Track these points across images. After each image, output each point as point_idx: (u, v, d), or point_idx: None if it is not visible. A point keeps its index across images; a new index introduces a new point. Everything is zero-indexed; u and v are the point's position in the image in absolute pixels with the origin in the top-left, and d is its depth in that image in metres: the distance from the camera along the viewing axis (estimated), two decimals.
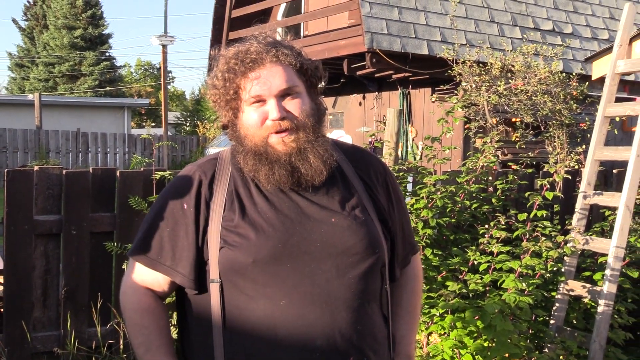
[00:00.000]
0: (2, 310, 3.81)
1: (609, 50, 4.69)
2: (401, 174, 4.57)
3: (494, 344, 3.48)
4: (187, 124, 36.50)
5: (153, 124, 38.66)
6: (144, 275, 1.79)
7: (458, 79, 7.27)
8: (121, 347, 3.88)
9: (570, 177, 5.00)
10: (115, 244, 3.93)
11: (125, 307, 1.82)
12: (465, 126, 7.24)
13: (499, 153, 6.04)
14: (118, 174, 4.01)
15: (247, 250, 1.66)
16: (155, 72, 47.52)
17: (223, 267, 1.68)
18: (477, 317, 3.51)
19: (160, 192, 1.84)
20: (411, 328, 1.98)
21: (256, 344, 1.67)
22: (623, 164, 4.15)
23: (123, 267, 3.92)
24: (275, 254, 1.66)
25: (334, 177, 1.78)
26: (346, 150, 1.89)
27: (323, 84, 1.84)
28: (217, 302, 1.70)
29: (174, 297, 1.89)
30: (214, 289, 1.70)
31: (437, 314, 3.71)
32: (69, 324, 3.83)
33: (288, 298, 1.66)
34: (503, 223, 3.95)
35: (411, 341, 1.97)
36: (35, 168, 3.83)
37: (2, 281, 3.86)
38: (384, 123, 4.88)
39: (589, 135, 4.45)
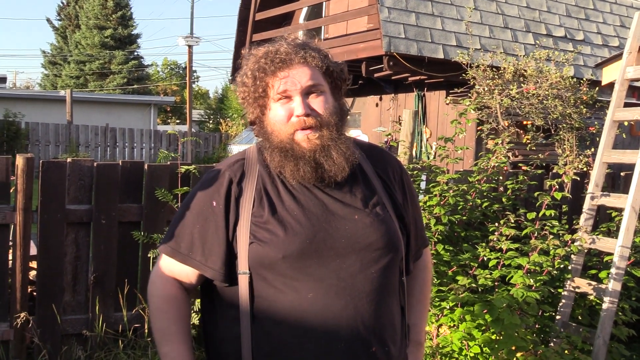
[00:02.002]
0: (35, 293, 3.99)
1: (618, 56, 4.82)
2: (415, 172, 4.73)
3: (501, 337, 3.58)
4: (211, 121, 36.84)
5: (178, 121, 39.00)
6: (173, 268, 1.85)
7: (472, 83, 7.41)
8: (146, 331, 4.06)
9: (578, 179, 5.13)
10: (142, 233, 4.11)
11: (151, 294, 1.88)
12: (478, 128, 7.40)
13: (509, 154, 6.17)
14: (146, 167, 4.18)
15: (276, 246, 1.72)
16: (181, 72, 47.89)
17: (253, 261, 1.74)
18: (485, 311, 3.62)
19: (191, 189, 1.91)
20: (422, 317, 2.08)
21: (283, 333, 1.73)
22: (630, 167, 4.28)
23: (149, 255, 4.11)
24: (303, 249, 1.72)
25: (355, 175, 1.84)
26: (365, 149, 1.95)
27: (348, 85, 1.95)
28: (246, 293, 1.75)
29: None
30: (243, 281, 1.75)
31: (447, 307, 3.82)
32: (97, 308, 4.01)
33: (315, 291, 1.71)
34: (512, 221, 4.08)
35: (422, 329, 2.07)
36: (68, 160, 4.01)
37: (35, 266, 4.03)
38: (400, 123, 5.03)
39: (597, 139, 4.58)
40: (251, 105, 1.84)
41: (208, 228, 1.79)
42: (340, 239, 1.75)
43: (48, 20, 40.05)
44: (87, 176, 4.03)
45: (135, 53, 38.34)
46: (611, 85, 4.69)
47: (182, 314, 1.86)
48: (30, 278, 4.04)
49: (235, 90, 1.93)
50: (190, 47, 23.43)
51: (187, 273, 1.85)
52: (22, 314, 3.81)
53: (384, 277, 1.80)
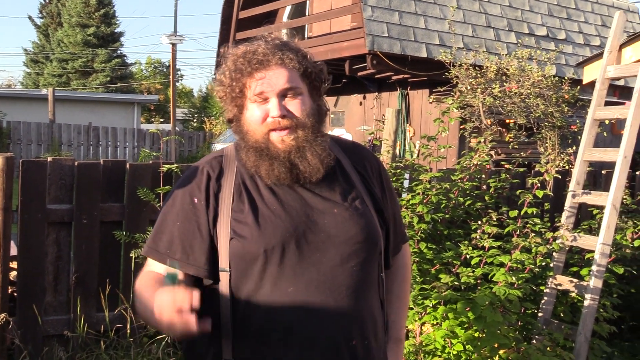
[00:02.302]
0: (15, 294, 3.95)
1: (599, 56, 4.86)
2: (398, 171, 4.74)
3: (484, 335, 3.60)
4: (195, 120, 36.78)
5: (162, 120, 38.90)
6: (154, 268, 1.83)
7: (455, 81, 7.45)
8: (128, 331, 4.03)
9: (560, 177, 5.17)
10: (124, 233, 4.09)
11: (136, 291, 1.81)
12: (461, 126, 7.42)
13: (492, 152, 6.20)
14: (128, 166, 4.16)
15: (256, 241, 1.72)
16: (165, 70, 47.73)
17: (233, 256, 1.74)
18: (468, 309, 3.63)
19: (172, 188, 1.91)
20: (401, 314, 2.08)
21: (264, 328, 1.74)
22: (611, 165, 4.32)
23: (131, 255, 4.08)
24: (283, 243, 1.73)
25: (334, 170, 1.85)
26: (344, 145, 1.97)
27: (327, 85, 1.95)
28: (227, 290, 1.75)
29: None
30: (224, 278, 1.75)
31: (430, 305, 3.84)
32: (78, 309, 3.98)
33: (295, 285, 1.72)
34: (495, 219, 4.11)
35: (401, 326, 2.08)
36: (49, 159, 3.98)
37: (15, 266, 3.99)
38: (383, 122, 5.04)
39: (579, 137, 4.61)
40: (229, 104, 1.85)
41: (189, 225, 1.79)
42: (320, 233, 1.76)
43: (30, 17, 39.83)
44: (68, 175, 4.00)
45: (119, 51, 38.18)
46: (592, 84, 4.73)
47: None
48: (11, 278, 4.00)
49: (213, 88, 1.91)
50: (173, 45, 23.39)
51: None
52: (2, 315, 3.77)
53: (364, 271, 1.81)
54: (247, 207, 1.77)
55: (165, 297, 1.56)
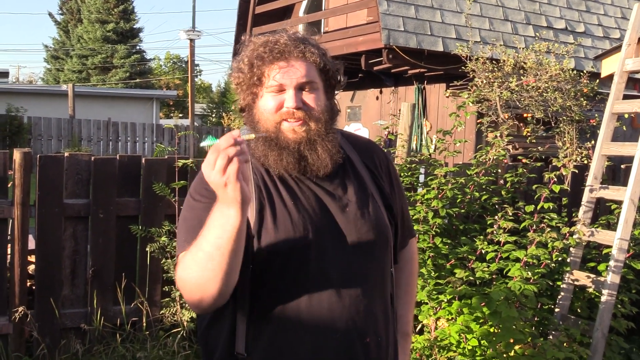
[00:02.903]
0: (33, 287, 4.00)
1: (618, 48, 4.81)
2: (413, 165, 4.73)
3: (499, 330, 3.58)
4: (213, 115, 36.91)
5: (181, 115, 39.14)
6: None
7: (471, 75, 7.40)
8: (144, 324, 4.07)
9: (577, 172, 5.13)
10: (140, 227, 4.12)
11: (180, 280, 1.68)
12: (478, 121, 7.38)
13: (509, 147, 6.16)
14: (143, 161, 4.18)
15: (274, 240, 1.71)
16: (184, 65, 47.92)
17: (253, 253, 1.72)
18: (483, 304, 3.62)
19: (189, 187, 1.86)
20: (409, 308, 2.09)
21: (279, 326, 1.72)
22: (631, 159, 4.27)
23: (147, 249, 4.12)
24: (299, 242, 1.72)
25: (345, 166, 1.85)
26: (353, 141, 1.96)
27: (343, 82, 1.94)
28: (247, 283, 1.72)
29: None
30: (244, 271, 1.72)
31: (445, 300, 3.83)
32: (95, 302, 4.02)
33: (311, 283, 1.73)
34: (510, 214, 4.08)
35: (409, 320, 2.10)
36: (66, 154, 4.02)
37: (33, 260, 4.04)
38: (399, 117, 5.02)
39: (598, 131, 4.57)
40: (244, 92, 1.83)
41: (202, 223, 1.66)
42: (334, 232, 1.76)
43: (50, 14, 40.16)
44: (85, 170, 4.03)
45: (138, 47, 38.41)
46: (611, 77, 4.68)
47: None
48: (29, 272, 4.05)
49: (230, 75, 1.90)
50: (191, 40, 23.44)
51: None
52: (21, 308, 3.82)
53: (378, 267, 1.82)
54: (266, 203, 1.75)
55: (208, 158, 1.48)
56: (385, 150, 2.04)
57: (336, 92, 1.92)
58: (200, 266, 1.57)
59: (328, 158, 1.78)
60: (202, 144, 1.53)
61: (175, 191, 4.16)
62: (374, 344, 1.79)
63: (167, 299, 4.16)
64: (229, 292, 1.63)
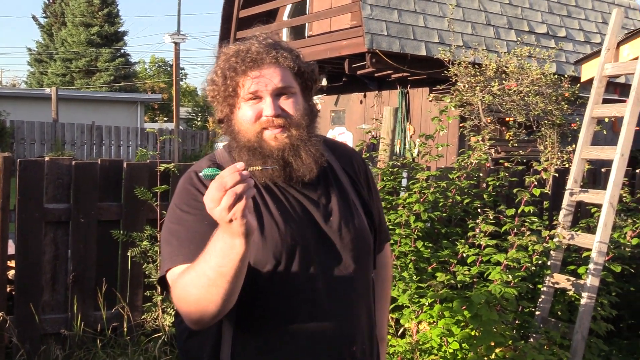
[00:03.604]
0: (13, 293, 3.97)
1: (597, 53, 4.85)
2: (396, 169, 4.74)
3: (480, 333, 3.59)
4: (199, 119, 36.82)
5: (166, 119, 38.98)
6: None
7: (454, 80, 7.44)
8: (125, 329, 4.05)
9: (558, 175, 5.17)
10: (122, 232, 4.10)
11: (178, 301, 1.63)
12: (461, 125, 7.42)
13: (491, 151, 6.19)
14: (125, 165, 4.17)
15: (261, 251, 1.70)
16: (169, 69, 47.80)
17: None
18: (464, 307, 3.63)
19: (171, 199, 1.80)
20: (384, 313, 2.10)
21: (268, 336, 1.72)
22: (611, 163, 4.31)
23: (128, 253, 4.10)
24: (286, 253, 1.71)
25: (326, 174, 1.85)
26: (332, 146, 1.96)
27: (325, 83, 1.94)
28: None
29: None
30: None
31: (427, 304, 3.84)
32: (75, 307, 3.99)
33: (298, 293, 1.72)
34: (491, 218, 4.11)
35: (384, 325, 2.11)
36: (46, 158, 3.99)
37: (13, 265, 4.00)
38: (381, 121, 5.04)
39: (579, 135, 4.62)
40: (220, 104, 1.81)
41: (196, 234, 1.67)
42: (320, 242, 1.76)
43: (34, 17, 39.97)
44: (66, 175, 4.01)
45: (122, 50, 38.25)
46: (592, 82, 4.72)
47: None
48: (9, 277, 4.01)
49: (204, 88, 1.88)
50: (176, 44, 23.34)
51: None
52: (0, 314, 3.78)
53: (361, 275, 1.82)
54: (253, 215, 1.63)
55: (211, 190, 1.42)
56: (368, 155, 2.05)
57: (320, 94, 1.91)
58: (202, 290, 1.53)
59: (313, 162, 1.77)
60: (202, 174, 1.48)
61: (157, 195, 4.15)
62: (359, 351, 1.80)
63: (148, 304, 4.15)
64: (229, 308, 1.60)
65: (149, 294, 4.17)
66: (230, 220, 1.41)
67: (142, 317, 4.13)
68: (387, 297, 2.15)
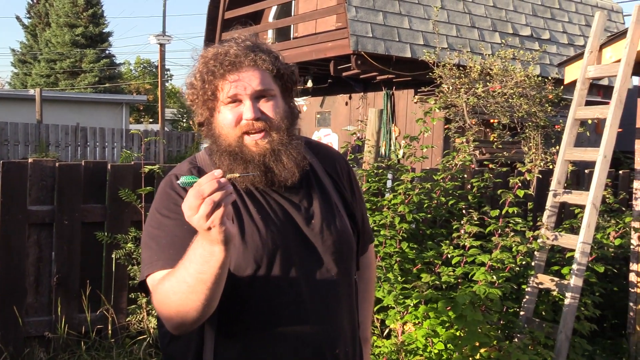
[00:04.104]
0: None
1: (580, 56, 4.89)
2: (380, 171, 4.75)
3: (464, 333, 3.61)
4: (184, 120, 36.71)
5: (151, 120, 38.80)
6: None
7: (439, 81, 7.47)
8: (109, 332, 4.03)
9: (541, 177, 5.20)
10: (106, 234, 4.08)
11: (157, 302, 1.63)
12: (445, 126, 7.45)
13: (476, 152, 6.23)
14: (109, 167, 4.15)
15: (242, 256, 1.69)
16: (154, 70, 47.56)
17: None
18: (449, 308, 3.65)
19: (152, 204, 1.80)
20: (367, 315, 2.09)
21: (251, 340, 1.71)
22: (594, 165, 4.35)
23: (113, 256, 4.08)
24: (268, 257, 1.70)
25: (308, 176, 1.83)
26: (314, 149, 1.94)
27: (310, 85, 1.94)
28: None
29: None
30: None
31: (412, 304, 3.86)
32: (59, 310, 3.97)
33: (279, 297, 1.71)
34: (476, 219, 4.13)
35: (367, 327, 2.10)
36: (30, 160, 3.97)
37: None
38: (366, 123, 5.05)
39: (562, 137, 4.65)
40: (200, 108, 1.79)
41: (174, 238, 1.67)
42: (302, 245, 1.75)
43: (17, 18, 39.64)
44: (49, 176, 3.99)
45: (107, 51, 38.06)
46: (575, 84, 4.76)
47: None
48: None
49: (184, 92, 1.86)
50: (161, 45, 23.28)
51: None
52: None
53: (344, 278, 1.82)
54: (234, 219, 1.60)
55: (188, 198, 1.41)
56: (353, 156, 2.04)
57: (305, 96, 1.91)
58: (182, 297, 1.53)
59: (295, 166, 1.76)
60: (180, 182, 1.48)
61: (141, 197, 4.13)
62: (342, 354, 1.79)
63: (133, 306, 4.13)
64: (210, 313, 1.59)
65: (133, 296, 4.15)
66: (209, 228, 1.40)
67: (127, 320, 4.11)
68: (370, 298, 2.14)
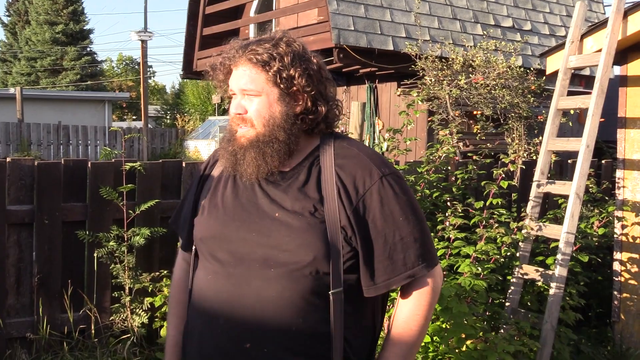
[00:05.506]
0: None
1: (562, 46, 4.90)
2: None
3: (450, 326, 3.60)
4: (167, 117, 36.58)
5: (134, 117, 38.62)
6: (180, 245, 2.10)
7: (421, 74, 7.46)
8: (93, 332, 3.98)
9: (524, 167, 5.21)
10: (87, 232, 4.04)
11: (436, 298, 1.88)
12: (429, 119, 7.45)
13: (460, 144, 6.22)
14: (89, 164, 4.10)
15: (198, 227, 1.91)
16: (136, 67, 47.31)
17: (194, 237, 1.94)
18: None
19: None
20: (386, 354, 1.85)
21: (191, 309, 1.92)
22: (577, 155, 4.35)
23: (94, 254, 4.04)
24: (214, 234, 1.85)
25: (310, 173, 1.81)
26: (344, 154, 1.85)
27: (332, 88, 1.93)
28: (192, 266, 1.97)
29: None
30: (192, 254, 1.98)
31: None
32: (41, 310, 3.92)
33: (213, 274, 1.83)
34: (460, 211, 4.12)
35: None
36: (8, 159, 3.91)
37: None
38: (349, 116, 5.03)
39: (545, 127, 4.65)
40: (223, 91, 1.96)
41: (186, 204, 2.04)
42: (252, 232, 1.78)
43: None
44: (28, 176, 3.93)
45: (88, 49, 37.83)
46: (557, 74, 4.76)
47: (179, 298, 2.06)
48: None
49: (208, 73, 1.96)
50: (143, 41, 23.14)
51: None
52: None
53: (289, 280, 1.74)
54: (210, 196, 1.91)
55: None
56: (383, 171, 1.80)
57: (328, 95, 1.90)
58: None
59: (254, 169, 1.81)
60: None
61: (123, 195, 4.09)
62: (256, 353, 1.75)
63: (116, 305, 4.08)
64: None
65: (116, 295, 4.11)
66: None
67: (110, 319, 4.07)
68: (397, 337, 1.85)
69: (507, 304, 4.32)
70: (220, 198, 1.88)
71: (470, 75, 7.25)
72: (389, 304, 2.86)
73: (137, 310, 4.05)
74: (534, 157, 6.21)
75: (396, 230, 1.79)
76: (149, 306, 4.08)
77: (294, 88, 1.82)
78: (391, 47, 8.65)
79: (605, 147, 8.70)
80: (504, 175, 4.37)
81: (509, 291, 4.35)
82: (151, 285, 4.08)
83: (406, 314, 1.85)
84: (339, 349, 1.78)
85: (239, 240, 1.79)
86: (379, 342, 1.97)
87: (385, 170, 1.83)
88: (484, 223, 4.13)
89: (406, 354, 1.85)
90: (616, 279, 4.99)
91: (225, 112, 27.56)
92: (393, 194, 1.81)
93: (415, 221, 1.82)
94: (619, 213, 5.00)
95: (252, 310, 1.75)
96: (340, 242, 1.76)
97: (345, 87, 10.26)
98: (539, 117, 7.41)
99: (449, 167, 4.89)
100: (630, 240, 4.94)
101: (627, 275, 4.93)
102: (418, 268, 1.81)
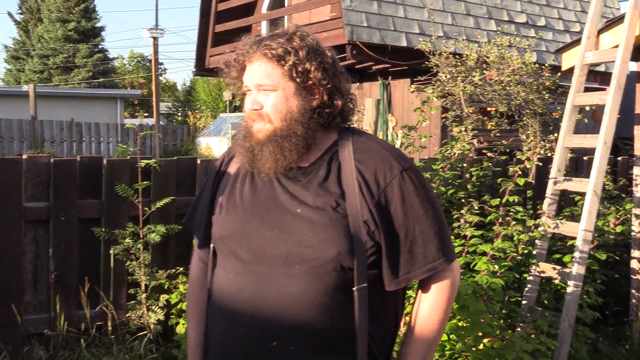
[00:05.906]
0: None
1: (578, 42, 4.85)
2: None
3: (467, 324, 3.59)
4: (179, 114, 36.68)
5: (146, 114, 38.73)
6: (196, 244, 2.08)
7: (435, 70, 7.43)
8: (109, 328, 3.99)
9: (541, 164, 5.18)
10: (103, 229, 4.04)
11: (454, 293, 1.89)
12: (443, 115, 7.42)
13: (474, 141, 6.20)
14: (105, 162, 4.11)
15: (217, 226, 1.88)
16: (148, 64, 47.41)
17: (212, 236, 1.92)
18: None
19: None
20: (410, 350, 1.85)
21: (212, 308, 1.88)
22: (593, 151, 4.32)
23: (110, 251, 4.04)
24: (235, 232, 1.82)
25: (330, 168, 1.81)
26: (364, 148, 1.84)
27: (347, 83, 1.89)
28: (211, 264, 1.95)
29: None
30: (211, 253, 1.96)
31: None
32: (58, 307, 3.93)
33: (235, 273, 1.80)
34: (476, 208, 4.10)
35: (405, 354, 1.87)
36: (24, 156, 3.92)
37: None
38: (363, 113, 5.02)
39: (560, 124, 4.62)
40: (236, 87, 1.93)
41: (201, 202, 2.02)
42: (273, 230, 1.76)
43: (9, 14, 39.54)
44: (45, 173, 3.94)
45: (100, 46, 37.96)
46: (572, 71, 4.73)
47: (198, 296, 2.04)
48: None
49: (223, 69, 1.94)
50: (155, 39, 23.23)
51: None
52: None
53: (313, 277, 1.73)
54: (228, 191, 1.89)
55: None
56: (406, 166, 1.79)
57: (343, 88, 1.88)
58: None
59: (273, 163, 1.80)
60: None
61: (138, 192, 4.09)
62: (282, 351, 1.73)
63: (132, 302, 4.09)
64: None
65: (133, 292, 4.11)
66: None
67: (127, 315, 4.08)
68: (418, 332, 1.85)
69: (523, 302, 4.29)
70: (238, 196, 1.85)
71: (485, 71, 7.22)
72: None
73: (153, 307, 4.05)
74: (549, 154, 6.17)
75: (417, 224, 1.80)
76: (165, 303, 4.08)
77: (310, 82, 1.81)
78: (404, 44, 8.63)
79: (620, 144, 8.63)
80: (520, 172, 4.34)
81: (526, 289, 4.32)
82: (167, 282, 4.09)
83: (427, 309, 1.85)
84: (363, 345, 1.77)
85: (260, 238, 1.77)
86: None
87: (405, 164, 1.83)
88: (500, 220, 4.10)
89: (428, 349, 1.86)
90: (634, 277, 4.95)
91: (236, 109, 27.60)
92: (413, 188, 1.81)
93: (434, 215, 1.83)
94: (636, 211, 4.96)
95: (275, 308, 1.73)
96: (364, 236, 1.75)
97: (358, 83, 10.24)
98: (553, 114, 7.36)
99: (464, 164, 4.87)
100: None
101: None
102: (438, 262, 1.81)
